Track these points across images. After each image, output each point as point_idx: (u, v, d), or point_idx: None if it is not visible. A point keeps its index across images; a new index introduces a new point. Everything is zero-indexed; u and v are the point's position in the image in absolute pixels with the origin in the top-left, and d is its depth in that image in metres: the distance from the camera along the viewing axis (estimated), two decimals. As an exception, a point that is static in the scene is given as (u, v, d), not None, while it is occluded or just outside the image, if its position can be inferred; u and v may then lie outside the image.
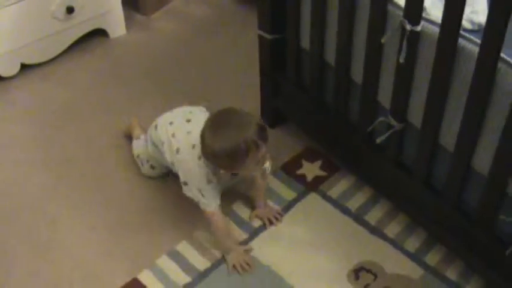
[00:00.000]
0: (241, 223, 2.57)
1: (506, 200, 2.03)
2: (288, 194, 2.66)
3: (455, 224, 2.26)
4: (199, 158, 2.29)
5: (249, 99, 2.99)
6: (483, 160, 2.04)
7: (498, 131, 1.91)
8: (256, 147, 2.15)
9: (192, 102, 2.65)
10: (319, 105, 2.61)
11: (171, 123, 2.46)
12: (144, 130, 2.74)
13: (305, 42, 2.53)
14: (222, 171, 2.32)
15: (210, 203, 2.36)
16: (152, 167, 2.69)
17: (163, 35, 3.60)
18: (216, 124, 2.19)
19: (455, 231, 2.27)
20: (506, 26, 1.74)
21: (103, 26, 3.49)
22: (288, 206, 2.62)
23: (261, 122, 2.23)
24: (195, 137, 2.28)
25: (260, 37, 2.67)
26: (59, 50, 3.35)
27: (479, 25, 2.11)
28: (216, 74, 3.29)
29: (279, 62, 2.71)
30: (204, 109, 2.55)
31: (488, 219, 2.11)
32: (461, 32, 1.92)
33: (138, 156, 2.74)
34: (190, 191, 2.37)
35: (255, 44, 2.75)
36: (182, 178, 2.38)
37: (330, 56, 2.42)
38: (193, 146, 2.32)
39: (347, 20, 2.24)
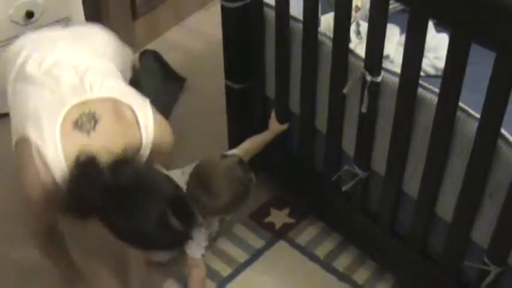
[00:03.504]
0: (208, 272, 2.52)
1: (470, 245, 2.06)
2: (257, 242, 2.66)
3: (421, 269, 2.27)
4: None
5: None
6: (446, 206, 2.06)
7: (460, 177, 1.94)
8: (250, 180, 2.17)
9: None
10: (285, 154, 2.63)
11: None
12: None
13: (270, 92, 2.56)
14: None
15: (198, 249, 2.29)
16: None
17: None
18: (205, 186, 2.13)
19: (422, 276, 2.29)
20: (463, 76, 1.78)
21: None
22: (256, 254, 2.62)
23: (236, 157, 2.26)
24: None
25: (227, 87, 2.70)
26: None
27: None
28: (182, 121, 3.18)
29: (245, 111, 2.74)
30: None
31: (453, 264, 2.13)
32: (424, 78, 1.96)
33: None
34: None
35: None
36: None
37: (295, 105, 2.45)
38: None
39: (310, 70, 2.27)
